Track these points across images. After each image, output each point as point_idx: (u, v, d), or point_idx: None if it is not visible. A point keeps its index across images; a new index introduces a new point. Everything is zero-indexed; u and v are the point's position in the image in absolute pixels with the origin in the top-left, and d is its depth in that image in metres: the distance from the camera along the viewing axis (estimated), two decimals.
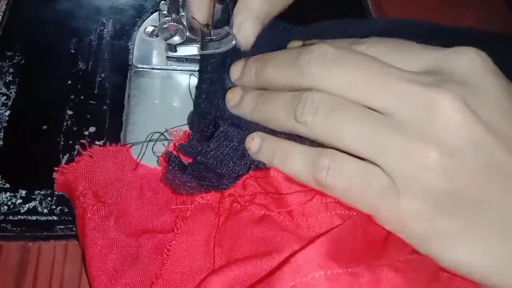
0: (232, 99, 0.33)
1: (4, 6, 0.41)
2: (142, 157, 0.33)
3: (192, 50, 0.38)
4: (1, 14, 0.40)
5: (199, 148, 0.31)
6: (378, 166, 0.26)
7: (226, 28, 0.39)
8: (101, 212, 0.30)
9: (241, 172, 0.30)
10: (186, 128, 0.35)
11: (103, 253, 0.29)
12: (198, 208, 0.30)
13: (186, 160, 0.31)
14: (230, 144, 0.31)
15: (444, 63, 0.26)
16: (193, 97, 0.37)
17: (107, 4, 0.43)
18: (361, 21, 0.38)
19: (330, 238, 0.25)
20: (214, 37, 0.38)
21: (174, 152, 0.31)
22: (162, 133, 0.34)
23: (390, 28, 0.38)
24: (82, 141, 0.33)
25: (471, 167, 0.24)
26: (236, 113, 0.33)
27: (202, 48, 0.37)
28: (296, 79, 0.29)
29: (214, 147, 0.31)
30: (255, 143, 0.30)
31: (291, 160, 0.28)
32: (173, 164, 0.30)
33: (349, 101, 0.27)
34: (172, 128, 0.34)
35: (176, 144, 0.33)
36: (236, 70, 0.34)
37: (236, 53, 0.35)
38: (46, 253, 0.31)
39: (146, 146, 0.34)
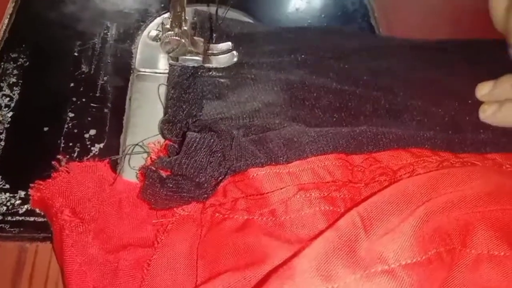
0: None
1: (11, 9, 0.42)
2: (120, 171, 0.33)
3: (193, 62, 0.38)
4: (8, 17, 0.41)
5: (175, 161, 0.30)
6: None
7: (229, 44, 0.39)
8: (79, 229, 0.29)
9: (220, 178, 0.30)
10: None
11: (82, 270, 0.28)
12: (179, 221, 0.29)
13: (164, 172, 0.30)
14: (204, 151, 0.30)
15: None
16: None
17: (111, 8, 0.43)
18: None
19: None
20: (215, 52, 0.39)
21: (152, 167, 0.30)
22: (136, 145, 0.34)
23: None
24: (58, 156, 0.32)
25: None
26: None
27: (204, 61, 0.38)
28: None
29: (189, 156, 0.30)
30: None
31: None
32: (150, 180, 0.29)
33: None
34: (147, 138, 0.34)
35: (153, 157, 0.33)
36: (487, 86, 0.38)
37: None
38: (42, 254, 0.31)
39: (124, 159, 0.33)
